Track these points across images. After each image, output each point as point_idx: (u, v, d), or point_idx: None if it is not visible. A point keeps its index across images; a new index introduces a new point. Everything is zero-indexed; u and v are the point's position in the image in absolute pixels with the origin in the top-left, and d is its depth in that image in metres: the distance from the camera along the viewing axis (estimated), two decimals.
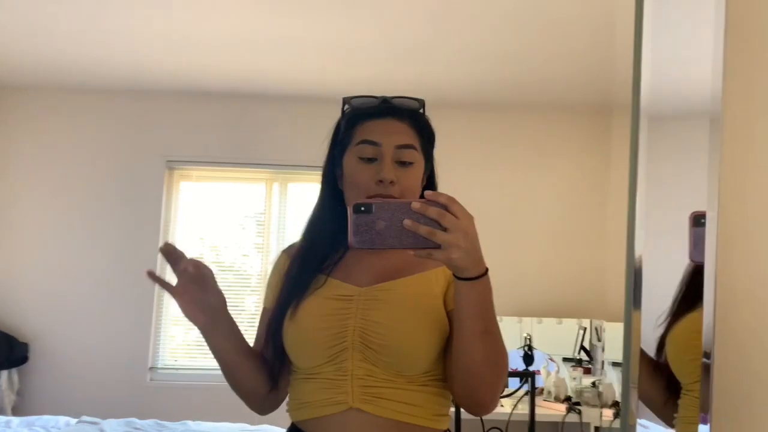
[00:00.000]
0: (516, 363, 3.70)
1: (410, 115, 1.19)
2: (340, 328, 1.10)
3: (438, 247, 0.92)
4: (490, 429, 3.14)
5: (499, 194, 3.97)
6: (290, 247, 1.26)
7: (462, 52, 3.22)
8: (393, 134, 1.15)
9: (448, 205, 0.93)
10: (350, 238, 0.95)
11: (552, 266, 3.93)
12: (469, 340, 1.00)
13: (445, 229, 0.91)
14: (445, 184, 3.54)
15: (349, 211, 0.95)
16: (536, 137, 4.00)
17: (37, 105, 3.82)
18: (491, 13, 2.78)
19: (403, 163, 1.14)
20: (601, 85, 3.45)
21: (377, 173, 1.12)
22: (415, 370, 1.08)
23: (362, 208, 0.95)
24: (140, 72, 3.58)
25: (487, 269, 0.97)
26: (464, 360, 1.02)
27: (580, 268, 3.92)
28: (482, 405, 1.06)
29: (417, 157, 1.17)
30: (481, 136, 3.99)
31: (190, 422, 2.79)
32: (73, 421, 2.66)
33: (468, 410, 1.09)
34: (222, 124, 3.91)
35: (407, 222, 0.93)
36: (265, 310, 1.22)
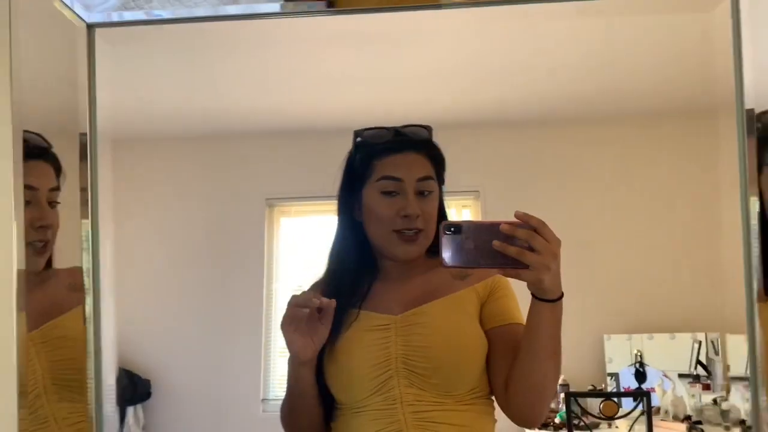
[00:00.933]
0: (628, 381, 3.56)
1: (425, 146, 1.22)
2: (383, 357, 1.12)
3: (525, 267, 0.96)
4: None
5: (602, 207, 3.87)
6: (316, 283, 1.26)
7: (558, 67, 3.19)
8: (413, 168, 1.18)
9: (538, 228, 0.96)
10: (442, 256, 1.00)
11: (660, 279, 3.77)
12: (540, 360, 1.06)
13: (533, 251, 0.95)
14: (545, 198, 3.48)
15: (441, 231, 1.00)
16: (638, 146, 3.88)
17: (137, 155, 4.07)
18: (574, 25, 2.76)
19: (422, 193, 1.18)
20: (701, 88, 3.34)
21: (403, 208, 1.16)
22: (462, 388, 1.12)
23: (452, 229, 1.00)
24: (232, 114, 3.78)
25: (563, 293, 1.02)
26: (532, 378, 1.07)
27: (691, 279, 3.74)
28: (539, 418, 1.12)
29: (434, 186, 1.20)
30: (579, 150, 3.92)
31: None
32: None
33: (520, 423, 1.13)
34: (317, 159, 4.04)
35: (497, 243, 0.97)
36: None
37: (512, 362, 1.11)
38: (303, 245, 4.18)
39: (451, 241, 1.00)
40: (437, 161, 1.23)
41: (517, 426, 1.18)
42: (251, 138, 4.07)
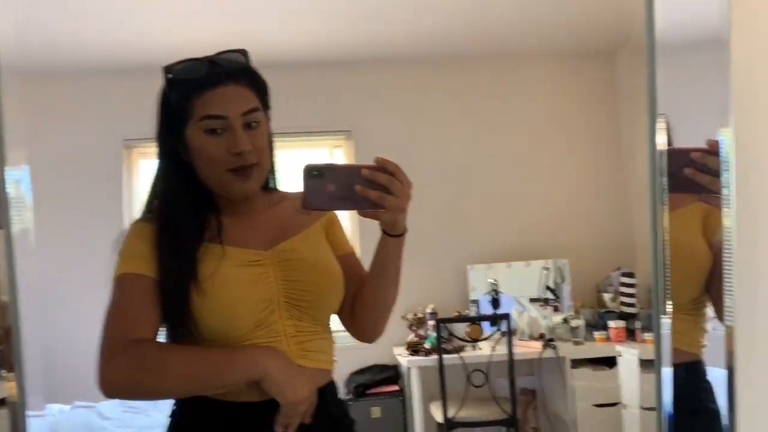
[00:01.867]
0: (485, 308, 3.85)
1: (244, 74, 1.15)
2: (265, 291, 1.13)
3: (383, 209, 1.06)
4: (473, 371, 3.29)
5: (469, 146, 4.04)
6: (140, 224, 1.16)
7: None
8: (236, 102, 1.12)
9: (395, 173, 1.06)
10: (303, 200, 1.04)
11: (518, 212, 4.06)
12: (388, 284, 1.20)
13: (390, 194, 1.05)
14: (436, 137, 3.53)
15: (303, 174, 1.04)
16: (503, 84, 4.06)
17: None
18: None
19: (249, 126, 1.13)
20: (600, 28, 3.54)
21: (233, 146, 1.10)
22: (328, 317, 1.22)
23: (314, 172, 1.04)
24: (90, 49, 3.47)
25: (406, 228, 1.15)
26: (381, 302, 1.22)
27: (543, 212, 4.06)
28: (380, 333, 1.27)
29: (261, 116, 1.15)
30: (471, 86, 4.03)
31: None
32: (67, 407, 2.66)
33: (363, 339, 1.27)
34: None
35: (359, 187, 1.04)
36: (139, 276, 1.09)
37: (353, 288, 1.23)
38: None
39: (313, 184, 1.04)
40: (260, 88, 1.17)
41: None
42: (108, 76, 3.77)
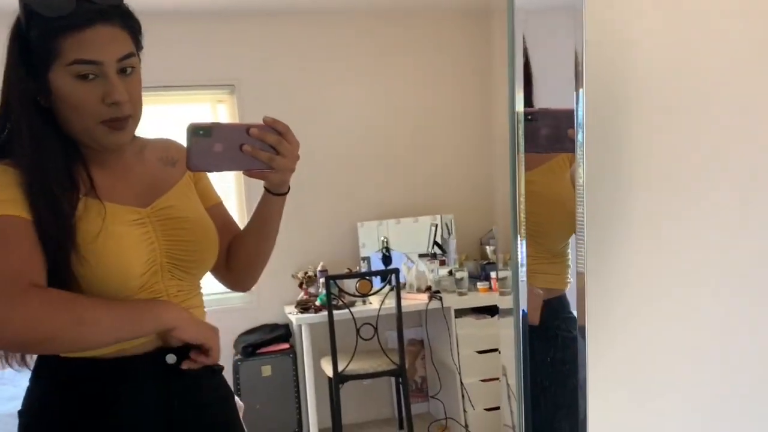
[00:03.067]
0: (377, 265, 3.92)
1: (118, 14, 1.03)
2: (149, 252, 1.08)
3: (271, 170, 1.06)
4: (362, 325, 3.36)
5: (358, 100, 4.02)
6: (5, 165, 1.03)
7: None
8: (111, 46, 1.00)
9: (284, 133, 1.05)
10: (188, 161, 1.00)
11: (407, 168, 4.12)
12: (267, 239, 1.22)
13: (278, 154, 1.04)
14: (322, 93, 3.46)
15: (187, 132, 0.99)
16: (398, 37, 4.05)
17: None
18: None
19: (124, 71, 1.03)
20: None
21: (108, 95, 1.00)
22: (206, 272, 1.21)
23: (200, 132, 0.99)
24: None
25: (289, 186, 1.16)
26: (259, 253, 1.24)
27: (430, 169, 4.15)
28: (255, 282, 1.30)
29: (136, 61, 1.06)
30: (353, 41, 3.97)
31: None
32: None
33: (238, 289, 1.31)
34: None
35: (247, 148, 1.02)
36: (19, 219, 0.98)
37: (227, 239, 1.24)
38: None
39: (199, 144, 0.99)
40: (134, 30, 1.06)
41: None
42: None
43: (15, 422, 1.86)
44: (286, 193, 1.16)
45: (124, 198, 1.10)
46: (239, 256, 1.25)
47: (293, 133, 1.06)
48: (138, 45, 1.08)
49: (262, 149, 1.03)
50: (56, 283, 1.00)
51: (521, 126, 0.65)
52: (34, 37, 1.00)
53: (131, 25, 1.06)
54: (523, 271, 0.71)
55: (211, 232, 1.18)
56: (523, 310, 0.71)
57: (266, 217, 1.19)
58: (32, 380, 1.11)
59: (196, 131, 0.99)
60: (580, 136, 0.67)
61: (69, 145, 1.06)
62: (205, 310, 1.22)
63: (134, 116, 1.07)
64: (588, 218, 0.74)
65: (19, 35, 1.02)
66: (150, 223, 1.11)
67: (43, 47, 1.00)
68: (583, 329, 0.73)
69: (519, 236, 0.69)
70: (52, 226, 0.99)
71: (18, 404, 2.06)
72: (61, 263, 1.00)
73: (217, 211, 1.25)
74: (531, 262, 0.74)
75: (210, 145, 0.99)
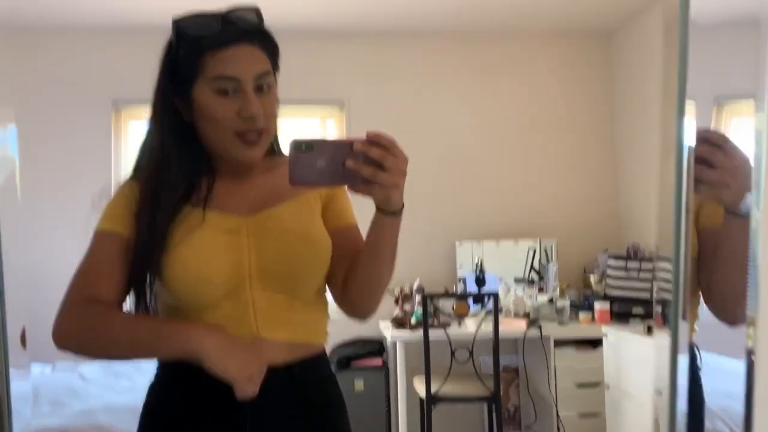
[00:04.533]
0: (471, 286, 3.85)
1: (258, 35, 1.11)
2: (236, 261, 1.09)
3: (374, 184, 0.99)
4: (456, 348, 3.30)
5: (464, 120, 4.01)
6: (134, 178, 1.15)
7: None
8: (250, 63, 1.08)
9: (390, 147, 0.99)
10: (290, 175, 0.99)
11: (509, 190, 4.05)
12: (381, 263, 1.11)
13: (383, 169, 0.98)
14: (429, 111, 3.48)
15: (290, 148, 0.98)
16: (503, 60, 4.02)
17: None
18: None
19: (260, 89, 1.09)
20: (599, 7, 3.49)
21: (243, 109, 1.06)
22: (309, 291, 1.15)
23: (303, 147, 0.98)
24: (73, 8, 3.38)
25: (403, 205, 1.05)
26: (372, 278, 1.13)
27: (533, 190, 4.06)
28: (371, 313, 1.19)
29: (272, 79, 1.12)
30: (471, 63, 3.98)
31: None
32: (48, 368, 2.64)
33: (353, 316, 1.20)
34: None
35: (350, 163, 0.98)
36: (112, 235, 1.09)
37: (349, 262, 1.15)
38: None
39: (301, 159, 0.99)
40: (272, 50, 1.13)
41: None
42: (96, 34, 3.67)
43: (131, 414, 1.95)
44: (398, 213, 1.06)
45: (230, 207, 1.13)
46: (353, 280, 1.16)
47: (400, 147, 1.00)
48: (275, 65, 1.14)
49: (366, 164, 0.98)
50: (140, 286, 1.09)
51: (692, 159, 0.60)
52: (182, 55, 1.09)
53: (269, 46, 1.13)
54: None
55: (319, 250, 1.14)
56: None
57: (378, 238, 1.09)
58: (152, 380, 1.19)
59: (299, 146, 0.98)
60: (762, 168, 0.60)
61: (200, 159, 1.13)
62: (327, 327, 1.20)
63: (267, 131, 1.11)
64: None
65: (170, 54, 1.11)
66: (246, 233, 1.11)
67: (189, 64, 1.08)
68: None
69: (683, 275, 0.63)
70: (146, 236, 1.07)
71: (133, 397, 2.16)
72: (154, 270, 1.08)
73: (348, 233, 1.20)
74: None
75: (313, 159, 0.98)
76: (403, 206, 1.05)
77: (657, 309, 3.11)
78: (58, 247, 3.59)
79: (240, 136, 1.08)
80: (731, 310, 1.07)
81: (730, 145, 0.91)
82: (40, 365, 2.65)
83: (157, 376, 1.16)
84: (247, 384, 1.02)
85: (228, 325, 1.07)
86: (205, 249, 1.08)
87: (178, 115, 1.11)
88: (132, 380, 2.42)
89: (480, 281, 3.84)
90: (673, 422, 0.59)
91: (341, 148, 0.99)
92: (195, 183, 1.12)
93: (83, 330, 1.05)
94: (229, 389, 1.03)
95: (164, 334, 1.05)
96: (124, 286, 1.09)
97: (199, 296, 1.08)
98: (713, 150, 0.91)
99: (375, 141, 0.98)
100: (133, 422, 1.82)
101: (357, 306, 1.18)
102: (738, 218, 0.95)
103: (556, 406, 3.33)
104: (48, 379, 2.44)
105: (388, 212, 1.05)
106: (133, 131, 3.91)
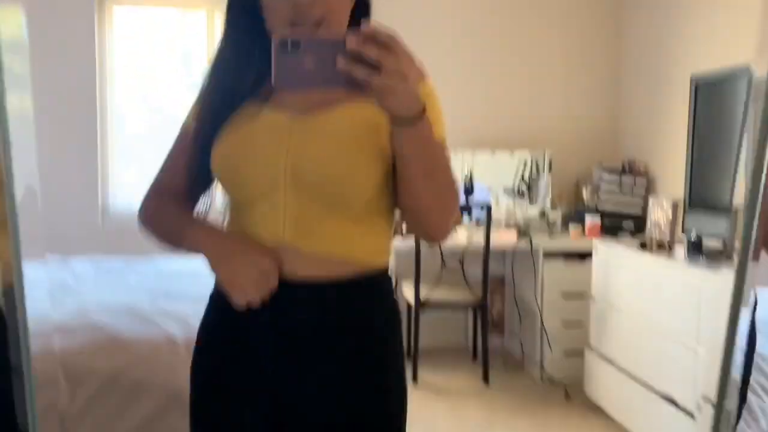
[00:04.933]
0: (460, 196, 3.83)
1: None
2: (273, 160, 1.03)
3: (370, 88, 0.86)
4: (447, 256, 3.33)
5: (472, 26, 3.86)
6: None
7: None
8: None
9: (389, 44, 0.84)
10: (273, 77, 0.87)
11: (503, 98, 3.96)
12: (411, 183, 0.98)
13: (380, 70, 0.84)
14: (430, 15, 3.32)
15: (273, 46, 0.86)
16: None
17: None
18: None
19: None
20: None
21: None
22: (352, 204, 1.04)
23: (288, 45, 0.86)
24: None
25: (424, 110, 0.91)
26: (409, 201, 1.01)
27: (532, 99, 3.97)
28: (432, 237, 1.08)
29: None
30: None
31: (157, 258, 2.79)
32: (36, 261, 2.61)
33: (424, 239, 1.12)
34: None
35: (342, 64, 0.84)
36: (187, 127, 1.15)
37: None
38: (141, 38, 3.77)
39: (286, 59, 0.86)
40: None
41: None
42: None
43: (124, 313, 1.94)
44: (414, 121, 0.90)
45: (287, 104, 1.06)
46: (400, 202, 1.04)
47: (402, 44, 0.85)
48: None
49: (361, 65, 0.84)
50: (201, 165, 1.09)
51: None
52: None
53: None
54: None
55: (353, 155, 1.02)
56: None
57: (401, 153, 0.96)
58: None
59: (284, 44, 0.86)
60: None
61: (263, 56, 1.05)
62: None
63: (326, 21, 1.02)
64: None
65: None
66: (290, 133, 1.04)
67: None
68: None
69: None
70: (202, 129, 1.09)
71: (126, 297, 2.14)
72: (203, 159, 1.08)
73: None
74: None
75: (300, 59, 0.86)
76: (421, 113, 0.90)
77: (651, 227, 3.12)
78: (41, 136, 3.50)
79: (293, 27, 1.01)
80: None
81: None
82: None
83: (213, 291, 1.14)
84: (238, 293, 1.00)
85: (260, 226, 1.04)
86: (244, 145, 1.04)
87: (250, 7, 1.06)
88: (125, 279, 2.41)
89: (468, 191, 3.81)
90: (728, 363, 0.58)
91: (332, 47, 0.85)
92: (257, 76, 1.07)
93: (150, 222, 1.15)
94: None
95: (187, 235, 1.09)
96: (191, 175, 1.12)
97: (237, 193, 1.07)
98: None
99: (371, 37, 0.84)
100: (127, 322, 1.83)
101: (416, 229, 1.07)
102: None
103: (541, 314, 3.41)
104: (40, 274, 2.42)
105: (400, 121, 0.90)
106: (118, 17, 3.72)
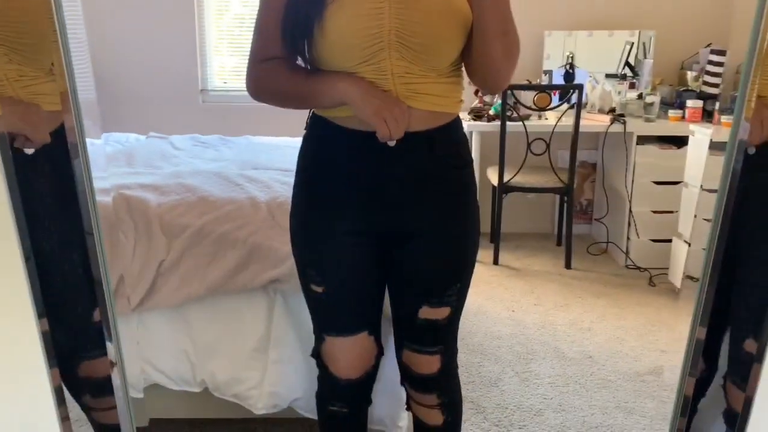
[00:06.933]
0: (558, 80, 3.69)
1: None
2: (377, 27, 1.10)
3: None
4: (534, 140, 3.27)
5: None
6: None
7: None
8: None
9: None
10: None
11: None
12: (489, 42, 1.11)
13: None
14: None
15: None
16: None
17: None
18: None
19: None
20: None
21: None
22: (446, 63, 1.16)
23: None
24: None
25: None
26: (485, 58, 1.14)
27: None
28: (498, 87, 1.22)
29: None
30: None
31: (250, 136, 2.94)
32: (143, 137, 2.82)
33: (483, 90, 1.20)
34: None
35: None
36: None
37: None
38: None
39: None
40: None
41: None
42: None
43: (214, 177, 2.09)
44: None
45: None
46: (469, 55, 1.17)
47: None
48: None
49: None
50: (297, 45, 1.17)
51: None
52: None
53: None
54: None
55: (459, 22, 1.13)
56: None
57: (480, 14, 1.10)
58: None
59: None
60: None
61: None
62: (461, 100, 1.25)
63: None
64: None
65: None
66: (391, 0, 1.11)
67: None
68: None
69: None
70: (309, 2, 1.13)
71: (215, 165, 2.31)
72: (303, 30, 1.14)
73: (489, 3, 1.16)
74: None
75: None
76: None
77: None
78: (142, 20, 3.66)
79: None
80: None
81: None
82: (135, 134, 2.84)
83: (309, 126, 1.28)
84: (383, 126, 1.12)
85: None
86: (347, 13, 1.10)
87: None
88: (218, 151, 2.58)
89: (569, 76, 3.67)
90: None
91: None
92: None
93: (263, 88, 1.22)
94: (373, 137, 1.15)
95: (318, 86, 1.16)
96: (294, 44, 1.17)
97: (340, 60, 1.14)
98: None
99: None
100: (216, 185, 1.99)
101: (481, 82, 1.21)
102: None
103: (630, 201, 3.32)
104: (143, 145, 2.63)
105: None
106: None
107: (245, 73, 1.23)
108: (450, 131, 1.24)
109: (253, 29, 1.22)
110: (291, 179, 1.34)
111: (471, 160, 1.30)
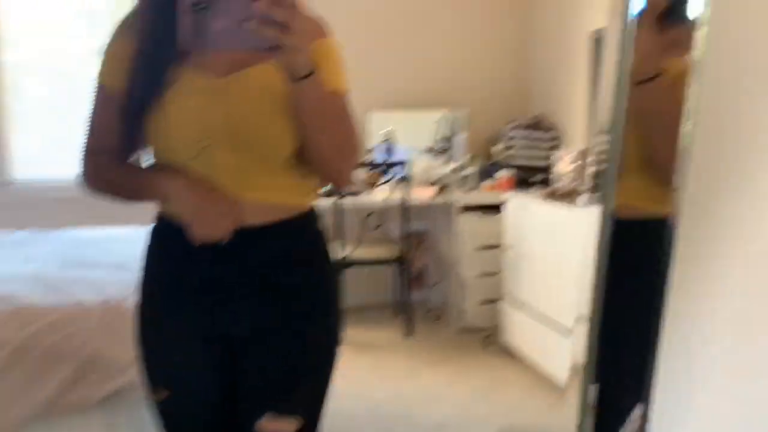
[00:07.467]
0: (380, 156, 3.87)
1: None
2: (203, 123, 1.09)
3: (278, 49, 0.93)
4: (368, 215, 3.38)
5: None
6: (125, 23, 1.15)
7: None
8: None
9: (293, 5, 0.92)
10: (181, 37, 0.93)
11: (422, 57, 4.00)
12: (313, 136, 1.09)
13: (287, 31, 0.92)
14: None
15: (184, 6, 0.91)
16: None
17: None
18: None
19: None
20: None
21: None
22: (282, 154, 1.13)
23: (198, 5, 0.90)
24: None
25: (313, 69, 1.00)
26: (312, 151, 1.11)
27: (447, 59, 4.03)
28: (334, 183, 1.20)
29: None
30: None
31: (66, 229, 2.70)
32: None
33: (328, 183, 1.22)
34: None
35: (253, 25, 0.90)
36: (107, 88, 1.15)
37: None
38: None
39: (196, 19, 0.91)
40: None
41: None
42: None
43: (33, 281, 1.88)
44: (309, 76, 1.00)
45: (210, 66, 1.09)
46: (308, 150, 1.13)
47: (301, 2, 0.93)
48: None
49: (269, 25, 0.90)
50: (138, 143, 1.15)
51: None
52: None
53: None
54: None
55: (279, 114, 1.09)
56: None
57: (299, 109, 1.06)
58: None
59: (195, 5, 0.90)
60: None
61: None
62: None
63: None
64: None
65: None
66: (217, 94, 1.09)
67: None
68: None
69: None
70: (140, 93, 1.10)
71: (32, 266, 2.08)
72: (135, 125, 1.12)
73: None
74: None
75: (208, 21, 0.90)
76: (313, 71, 1.00)
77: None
78: None
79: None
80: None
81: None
82: None
83: (155, 220, 1.22)
84: (197, 225, 1.08)
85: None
86: (173, 109, 1.08)
87: None
88: (33, 248, 2.33)
89: (389, 151, 3.86)
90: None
91: (241, 7, 0.89)
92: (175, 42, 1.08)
93: (97, 180, 1.19)
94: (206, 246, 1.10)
95: (146, 181, 1.15)
96: (129, 139, 1.15)
97: (173, 155, 1.11)
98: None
99: (278, 1, 0.91)
100: (35, 291, 1.78)
101: (320, 173, 1.16)
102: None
103: (459, 266, 3.52)
104: None
105: (298, 78, 1.00)
106: None
107: (77, 164, 1.19)
108: (293, 225, 1.18)
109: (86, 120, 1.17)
110: (125, 276, 1.26)
111: (324, 256, 1.23)
